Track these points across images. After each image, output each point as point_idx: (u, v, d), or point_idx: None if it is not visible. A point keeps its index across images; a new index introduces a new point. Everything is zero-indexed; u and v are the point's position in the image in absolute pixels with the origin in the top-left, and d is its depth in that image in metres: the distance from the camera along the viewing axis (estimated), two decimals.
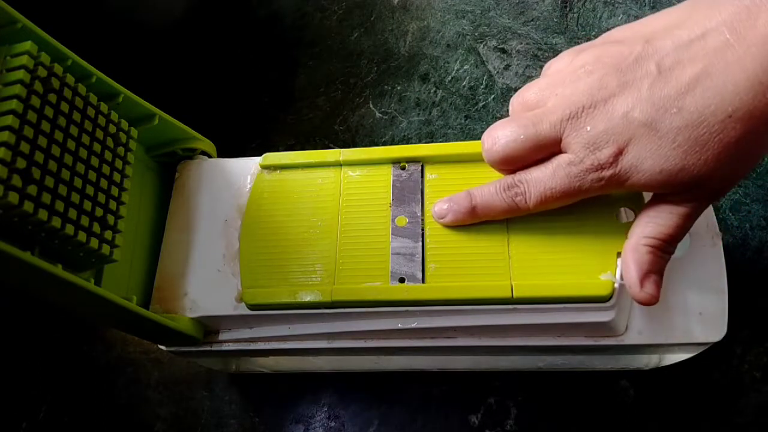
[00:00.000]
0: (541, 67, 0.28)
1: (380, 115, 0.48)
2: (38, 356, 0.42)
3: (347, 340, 0.30)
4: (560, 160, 0.25)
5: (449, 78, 0.48)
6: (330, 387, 0.39)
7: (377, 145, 0.46)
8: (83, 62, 0.28)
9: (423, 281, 0.29)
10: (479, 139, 0.28)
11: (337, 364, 0.38)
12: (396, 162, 0.32)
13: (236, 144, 0.48)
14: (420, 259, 0.29)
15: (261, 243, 0.31)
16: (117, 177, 0.29)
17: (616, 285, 0.27)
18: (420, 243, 0.29)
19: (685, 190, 0.24)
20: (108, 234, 0.27)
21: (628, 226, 0.27)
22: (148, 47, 0.49)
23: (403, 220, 0.30)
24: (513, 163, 0.27)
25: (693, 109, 0.22)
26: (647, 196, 0.27)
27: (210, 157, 0.36)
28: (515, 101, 0.28)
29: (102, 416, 0.40)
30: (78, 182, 0.26)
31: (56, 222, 0.24)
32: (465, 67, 0.48)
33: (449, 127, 0.46)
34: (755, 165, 0.39)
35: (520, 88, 0.28)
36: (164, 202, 0.34)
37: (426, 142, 0.45)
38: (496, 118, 0.45)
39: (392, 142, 0.46)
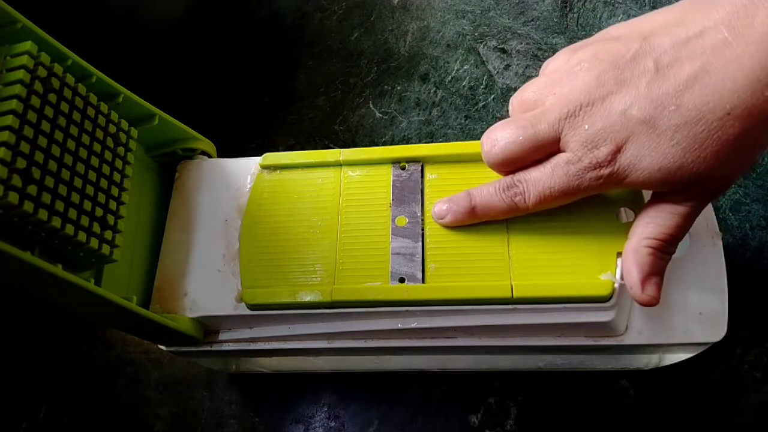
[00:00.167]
0: (542, 66, 0.28)
1: (380, 115, 0.48)
2: (38, 356, 0.43)
3: (347, 340, 0.30)
4: (559, 159, 0.25)
5: (449, 78, 0.48)
6: (330, 387, 0.39)
7: (377, 145, 0.46)
8: (83, 62, 0.28)
9: (423, 281, 0.29)
10: (479, 139, 0.28)
11: (337, 364, 0.38)
12: (396, 162, 0.32)
13: (236, 144, 0.48)
14: (420, 259, 0.29)
15: (261, 243, 0.31)
16: (117, 177, 0.29)
17: (616, 285, 0.27)
18: (420, 243, 0.29)
19: (684, 188, 0.24)
20: (108, 234, 0.27)
21: (628, 226, 0.27)
22: (148, 47, 0.49)
23: (403, 220, 0.30)
24: (513, 164, 0.27)
25: (691, 106, 0.22)
26: (647, 195, 0.27)
27: (210, 157, 0.36)
28: (514, 101, 0.28)
29: (102, 416, 0.40)
30: (78, 182, 0.26)
31: (56, 222, 0.24)
32: (465, 67, 0.48)
33: (449, 127, 0.46)
34: (753, 162, 0.39)
35: (520, 88, 0.28)
36: (164, 202, 0.34)
37: (426, 142, 0.45)
38: (496, 118, 0.46)
39: (392, 142, 0.46)
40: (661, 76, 0.22)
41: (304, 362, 0.39)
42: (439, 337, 0.30)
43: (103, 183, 0.27)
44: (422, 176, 0.31)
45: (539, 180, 0.26)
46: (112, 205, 0.28)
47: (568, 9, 0.49)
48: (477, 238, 0.29)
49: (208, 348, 0.31)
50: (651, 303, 0.25)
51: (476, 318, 0.28)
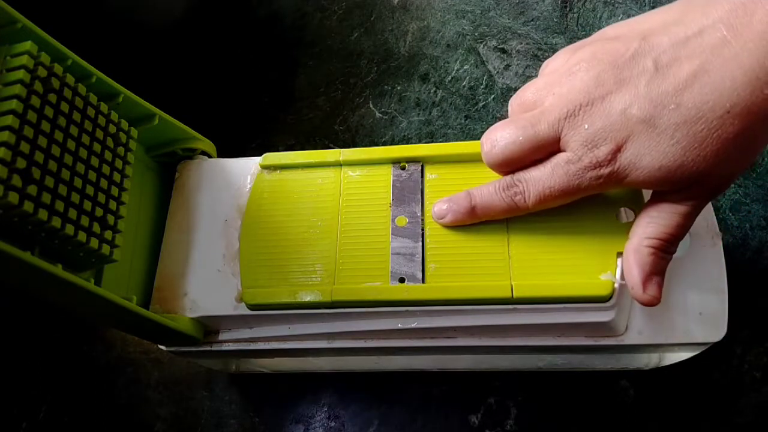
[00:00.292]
0: (541, 67, 0.28)
1: (380, 115, 0.48)
2: (38, 356, 0.43)
3: (347, 340, 0.30)
4: (559, 158, 0.25)
5: (449, 78, 0.48)
6: (330, 387, 0.39)
7: (377, 145, 0.46)
8: (83, 62, 0.28)
9: (423, 281, 0.29)
10: (479, 139, 0.28)
11: (337, 364, 0.38)
12: (396, 162, 0.32)
13: (236, 144, 0.48)
14: (420, 259, 0.29)
15: (261, 243, 0.31)
16: (117, 177, 0.29)
17: (616, 285, 0.27)
18: (420, 243, 0.29)
19: (684, 187, 0.24)
20: (108, 234, 0.27)
21: (628, 226, 0.27)
22: (148, 47, 0.49)
23: (403, 220, 0.30)
24: (513, 164, 0.27)
25: (691, 105, 0.22)
26: (647, 196, 0.27)
27: (210, 157, 0.36)
28: (513, 102, 0.28)
29: (102, 416, 0.40)
30: (78, 182, 0.26)
31: (56, 222, 0.24)
32: (465, 67, 0.48)
33: (449, 127, 0.46)
34: (753, 161, 0.39)
35: (520, 88, 0.28)
36: (164, 202, 0.34)
37: (426, 142, 0.45)
38: (496, 118, 0.46)
39: (392, 142, 0.46)
40: (661, 75, 0.23)
41: (304, 362, 0.39)
42: (439, 337, 0.30)
43: (103, 183, 0.27)
44: (422, 176, 0.31)
45: (539, 179, 0.26)
46: (112, 205, 0.28)
47: (568, 9, 0.49)
48: (477, 238, 0.29)
49: (208, 348, 0.31)
50: (652, 303, 0.25)
51: (476, 318, 0.28)
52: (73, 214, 0.25)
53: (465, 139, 0.45)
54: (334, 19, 0.53)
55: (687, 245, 0.29)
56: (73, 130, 0.26)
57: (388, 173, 0.32)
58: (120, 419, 0.40)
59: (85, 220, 0.26)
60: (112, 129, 0.29)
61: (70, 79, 0.27)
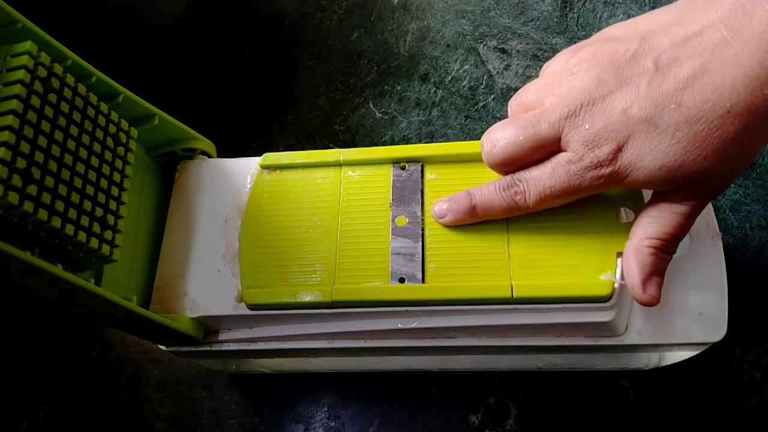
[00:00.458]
0: (541, 67, 0.28)
1: (380, 115, 0.48)
2: (38, 356, 0.43)
3: (347, 340, 0.30)
4: (559, 158, 0.25)
5: (449, 78, 0.48)
6: (330, 387, 0.39)
7: (377, 145, 0.46)
8: (83, 62, 0.28)
9: (423, 281, 0.29)
10: (479, 139, 0.28)
11: (337, 364, 0.38)
12: (396, 162, 0.32)
13: (236, 144, 0.48)
14: (420, 259, 0.29)
15: (261, 243, 0.31)
16: (117, 177, 0.29)
17: (616, 285, 0.27)
18: (420, 243, 0.29)
19: (684, 187, 0.24)
20: (108, 234, 0.27)
21: (628, 226, 0.27)
22: (148, 47, 0.49)
23: (403, 220, 0.30)
24: (513, 164, 0.27)
25: (691, 105, 0.22)
26: (647, 196, 0.27)
27: (210, 157, 0.36)
28: (513, 103, 0.28)
29: (102, 416, 0.40)
30: (78, 182, 0.26)
31: (56, 222, 0.24)
32: (465, 67, 0.48)
33: (449, 127, 0.46)
34: (753, 160, 0.39)
35: (520, 88, 0.28)
36: (164, 202, 0.34)
37: (426, 142, 0.45)
38: (496, 118, 0.46)
39: (392, 142, 0.46)
40: (661, 75, 0.23)
41: (304, 362, 0.39)
42: (439, 337, 0.30)
43: (103, 183, 0.27)
44: (422, 176, 0.31)
45: (540, 179, 0.26)
46: (112, 205, 0.28)
47: (568, 9, 0.49)
48: (477, 238, 0.29)
49: (208, 348, 0.31)
50: (652, 303, 0.25)
51: (476, 318, 0.28)
52: (73, 214, 0.25)
53: (465, 139, 0.45)
54: (334, 19, 0.53)
55: (687, 245, 0.30)
56: (73, 130, 0.26)
57: (388, 173, 0.32)
58: (120, 419, 0.40)
59: (85, 220, 0.26)
60: (112, 129, 0.29)
61: (70, 79, 0.27)
